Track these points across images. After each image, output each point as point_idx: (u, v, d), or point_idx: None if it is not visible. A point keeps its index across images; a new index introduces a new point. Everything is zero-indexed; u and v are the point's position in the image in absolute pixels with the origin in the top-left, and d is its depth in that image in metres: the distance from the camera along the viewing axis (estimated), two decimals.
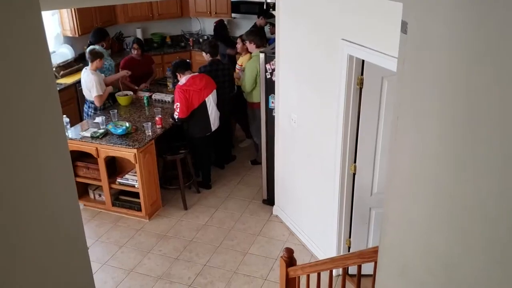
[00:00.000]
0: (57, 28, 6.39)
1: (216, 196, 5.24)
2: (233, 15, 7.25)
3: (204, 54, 5.30)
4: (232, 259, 4.28)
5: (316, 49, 3.71)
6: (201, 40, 7.58)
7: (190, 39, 7.51)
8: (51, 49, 6.36)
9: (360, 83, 3.42)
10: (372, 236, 3.84)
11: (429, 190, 1.40)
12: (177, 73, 4.87)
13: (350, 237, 3.92)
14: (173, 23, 7.65)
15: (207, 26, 7.75)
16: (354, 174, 3.71)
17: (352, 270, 3.77)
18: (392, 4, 2.75)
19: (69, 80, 6.08)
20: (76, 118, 5.82)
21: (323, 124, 3.80)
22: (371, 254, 2.27)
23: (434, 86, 1.37)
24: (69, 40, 6.51)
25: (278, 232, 4.66)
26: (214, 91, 4.94)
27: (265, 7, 6.94)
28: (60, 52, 6.37)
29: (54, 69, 6.17)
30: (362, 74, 3.40)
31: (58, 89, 5.90)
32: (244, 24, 7.36)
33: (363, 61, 3.36)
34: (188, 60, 5.45)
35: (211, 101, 4.89)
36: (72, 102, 6.10)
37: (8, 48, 1.13)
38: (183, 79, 4.78)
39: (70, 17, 6.29)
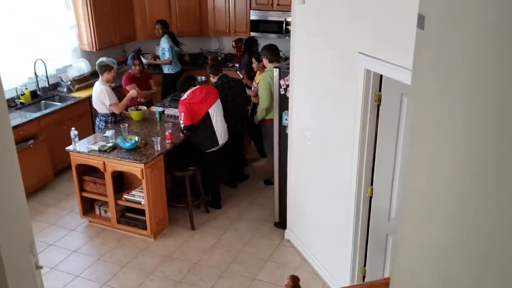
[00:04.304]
0: (75, 41, 6.38)
1: (226, 216, 5.02)
2: (252, 33, 7.14)
3: (211, 77, 5.22)
4: (239, 285, 4.02)
5: (332, 64, 3.52)
6: (219, 58, 7.50)
7: (209, 57, 7.43)
8: (67, 62, 6.36)
9: (378, 100, 3.19)
10: (389, 265, 3.54)
11: (448, 211, 1.16)
12: (183, 91, 4.77)
13: (365, 265, 3.63)
14: (192, 41, 7.59)
15: (226, 45, 7.67)
16: (370, 198, 3.44)
17: None
18: (412, 15, 2.55)
19: (83, 94, 6.02)
20: (89, 132, 5.73)
21: (338, 143, 3.57)
22: (382, 287, 2.00)
23: (458, 88, 1.14)
24: (87, 55, 6.50)
25: (289, 257, 4.39)
26: (218, 102, 4.80)
27: (284, 25, 6.84)
28: (76, 66, 6.35)
29: (69, 82, 6.15)
30: (380, 90, 3.18)
31: (72, 102, 5.91)
32: (263, 43, 7.23)
33: (381, 76, 3.14)
34: (195, 76, 5.32)
35: (215, 112, 4.74)
36: (87, 116, 6.03)
37: None
38: (185, 94, 4.69)
39: (89, 31, 6.29)
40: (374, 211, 3.46)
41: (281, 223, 4.74)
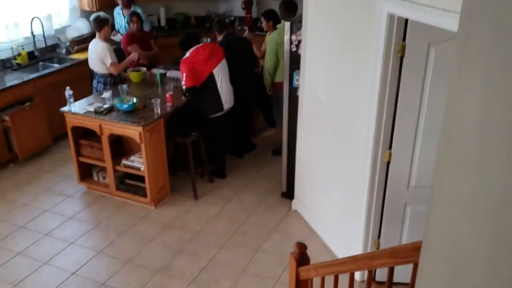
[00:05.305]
0: (73, 0, 6.03)
1: (230, 186, 4.72)
2: None
3: (217, 35, 4.86)
4: (242, 255, 3.75)
5: (349, 10, 3.14)
6: (227, 21, 7.09)
7: (216, 20, 7.02)
8: (66, 22, 6.02)
9: (402, 51, 2.82)
10: (405, 238, 3.23)
11: None
12: (185, 50, 4.39)
13: (379, 237, 3.32)
14: (198, 2, 7.20)
15: (235, 7, 7.25)
16: (388, 163, 3.11)
17: (381, 275, 3.18)
18: None
19: (83, 56, 5.68)
20: (89, 95, 5.43)
21: (354, 102, 3.22)
22: (409, 253, 1.69)
23: None
24: (87, 14, 6.13)
25: (296, 228, 4.10)
26: (224, 63, 4.43)
27: None
28: (75, 26, 6.02)
29: (68, 43, 5.83)
30: (404, 40, 2.81)
31: (71, 64, 5.60)
32: (274, 5, 6.81)
33: (405, 24, 2.77)
34: (198, 33, 4.91)
35: (219, 74, 4.38)
36: (86, 78, 5.70)
37: None
38: (187, 53, 4.33)
39: None
40: (391, 178, 3.13)
41: (289, 193, 4.43)
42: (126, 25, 5.70)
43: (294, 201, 4.34)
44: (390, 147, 3.06)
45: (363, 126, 3.12)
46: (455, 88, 1.02)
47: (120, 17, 6.07)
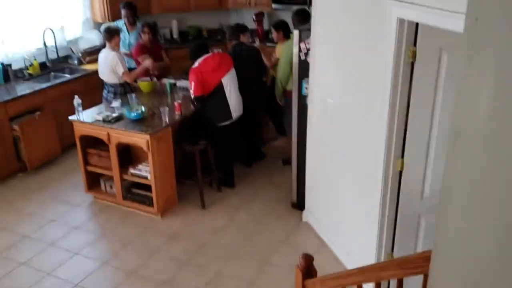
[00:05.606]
0: (86, 12, 6.08)
1: (239, 196, 4.63)
2: (274, 6, 6.70)
3: (228, 42, 4.85)
4: (249, 268, 3.63)
5: (357, 16, 3.06)
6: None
7: (227, 32, 7.01)
8: (78, 34, 6.06)
9: (413, 56, 2.72)
10: (420, 251, 3.08)
11: None
12: (194, 59, 4.36)
13: (392, 250, 3.18)
14: (211, 15, 7.20)
15: (247, 19, 7.23)
16: (400, 172, 2.99)
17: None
18: None
19: (94, 66, 5.68)
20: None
21: (365, 109, 3.12)
22: (419, 263, 1.57)
23: None
24: (99, 26, 6.17)
25: (306, 241, 3.97)
26: (233, 72, 4.39)
27: None
28: (87, 37, 6.05)
29: (80, 54, 5.85)
30: (415, 44, 2.72)
31: (81, 74, 5.61)
32: (285, 16, 6.79)
33: (416, 28, 2.68)
34: (206, 43, 4.87)
35: (228, 82, 4.33)
36: (97, 88, 5.69)
37: None
38: (196, 62, 4.29)
39: (101, 2, 5.97)
40: (404, 188, 3.01)
41: (299, 204, 4.32)
42: (131, 41, 5.65)
43: (304, 212, 4.23)
44: (403, 156, 2.95)
45: (374, 134, 3.01)
46: (465, 78, 0.92)
47: (124, 33, 6.03)
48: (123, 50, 5.74)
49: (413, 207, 3.01)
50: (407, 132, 2.87)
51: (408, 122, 2.86)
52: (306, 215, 4.20)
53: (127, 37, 5.74)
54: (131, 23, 5.64)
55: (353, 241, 3.51)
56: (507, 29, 0.79)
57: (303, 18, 4.67)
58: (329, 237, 3.85)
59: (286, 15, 6.58)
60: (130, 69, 5.02)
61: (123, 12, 5.58)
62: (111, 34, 4.68)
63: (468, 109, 0.92)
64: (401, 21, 2.65)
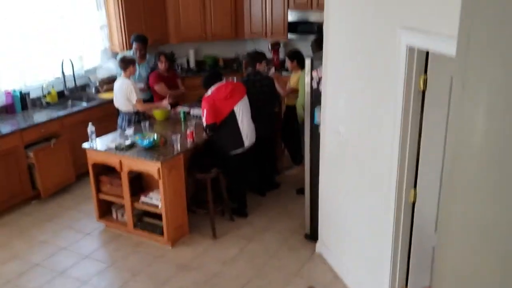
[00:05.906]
0: (105, 42, 6.23)
1: (251, 226, 4.55)
2: (290, 36, 6.76)
3: (244, 70, 4.89)
4: None
5: (368, 44, 3.03)
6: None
7: (244, 61, 7.08)
8: (97, 63, 6.20)
9: (423, 85, 2.67)
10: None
11: None
12: (207, 87, 4.39)
13: (407, 285, 3.05)
14: (227, 45, 7.31)
15: (263, 49, 7.29)
16: (413, 203, 2.89)
17: None
18: None
19: (111, 95, 5.78)
20: None
21: (376, 138, 3.06)
22: None
23: None
24: (117, 56, 6.31)
25: (319, 274, 3.85)
26: (245, 100, 4.39)
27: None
28: (106, 66, 6.18)
29: (97, 83, 5.97)
30: (425, 73, 2.67)
31: (98, 103, 5.71)
32: (301, 46, 6.83)
33: (426, 56, 2.63)
34: (219, 71, 4.94)
35: (241, 110, 4.33)
36: (114, 116, 5.78)
37: None
38: (209, 91, 4.32)
39: (120, 32, 6.12)
40: (418, 219, 2.90)
41: (312, 235, 4.22)
42: (141, 73, 5.64)
43: (318, 243, 4.12)
44: (415, 186, 2.86)
45: (386, 164, 2.93)
46: (459, 102, 0.87)
47: None
48: (138, 83, 5.83)
49: (427, 239, 2.89)
50: (419, 162, 2.79)
51: (420, 151, 2.78)
52: (320, 246, 4.09)
53: (138, 69, 5.85)
54: (142, 56, 5.71)
55: (366, 274, 3.38)
56: (499, 54, 0.74)
57: (322, 46, 4.68)
58: (342, 270, 3.73)
59: (302, 45, 6.64)
60: (145, 101, 5.10)
61: (134, 45, 5.66)
62: (127, 64, 4.77)
63: (464, 129, 0.87)
64: (410, 50, 2.61)
